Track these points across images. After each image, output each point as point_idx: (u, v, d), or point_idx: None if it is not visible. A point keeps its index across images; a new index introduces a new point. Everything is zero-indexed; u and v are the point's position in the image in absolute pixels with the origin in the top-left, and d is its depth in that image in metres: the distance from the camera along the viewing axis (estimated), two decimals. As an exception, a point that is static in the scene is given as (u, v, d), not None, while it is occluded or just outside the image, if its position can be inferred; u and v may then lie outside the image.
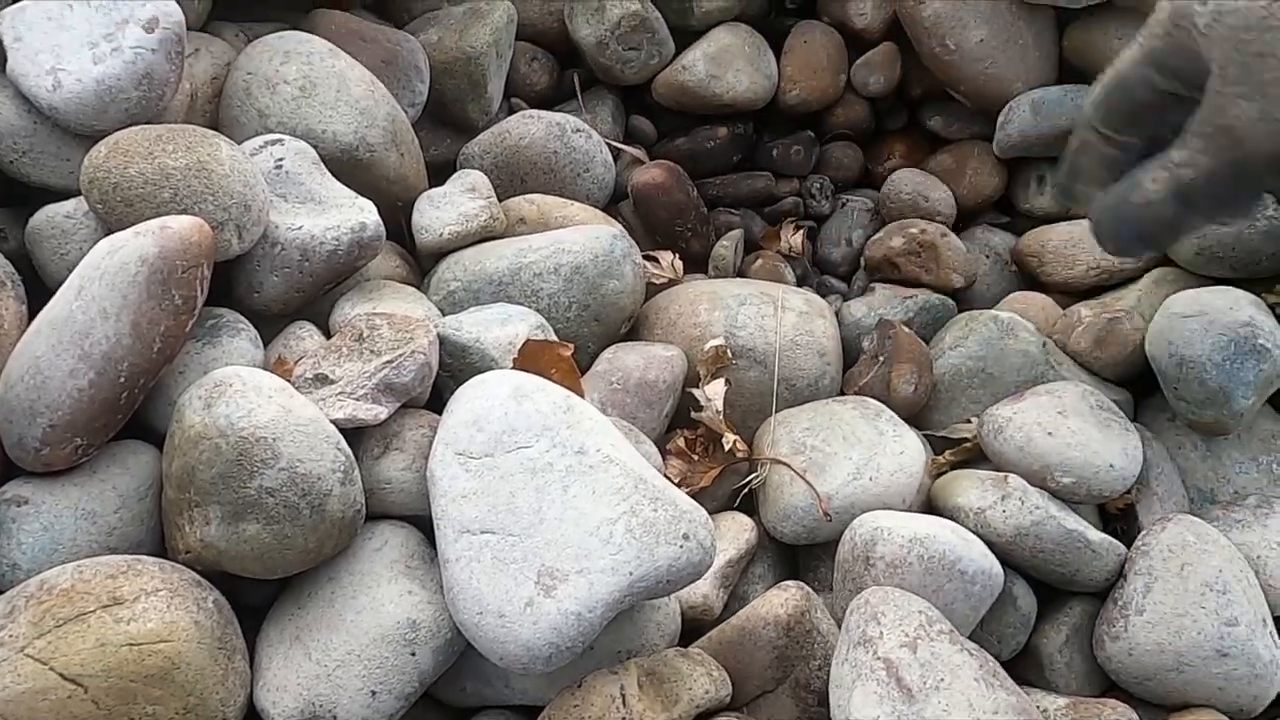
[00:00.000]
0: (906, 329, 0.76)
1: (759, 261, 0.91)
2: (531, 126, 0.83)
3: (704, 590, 0.65)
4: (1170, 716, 0.62)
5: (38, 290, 0.63)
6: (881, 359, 0.75)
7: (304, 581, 0.58)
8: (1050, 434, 0.67)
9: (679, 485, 0.69)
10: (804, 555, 0.71)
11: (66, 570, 0.53)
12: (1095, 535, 0.65)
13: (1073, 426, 0.67)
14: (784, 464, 0.69)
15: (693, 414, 0.72)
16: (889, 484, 0.67)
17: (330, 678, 0.55)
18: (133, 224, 0.58)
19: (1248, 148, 0.51)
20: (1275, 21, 0.50)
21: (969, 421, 0.74)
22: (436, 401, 0.64)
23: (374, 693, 0.55)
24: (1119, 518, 0.72)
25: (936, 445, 0.74)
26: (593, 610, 0.52)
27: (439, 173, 0.83)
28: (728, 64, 0.91)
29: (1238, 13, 0.50)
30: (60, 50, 0.64)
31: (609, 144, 0.89)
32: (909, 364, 0.74)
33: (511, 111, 0.91)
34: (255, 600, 0.60)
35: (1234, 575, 0.62)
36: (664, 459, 0.70)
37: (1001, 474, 0.67)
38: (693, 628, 0.64)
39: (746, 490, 0.70)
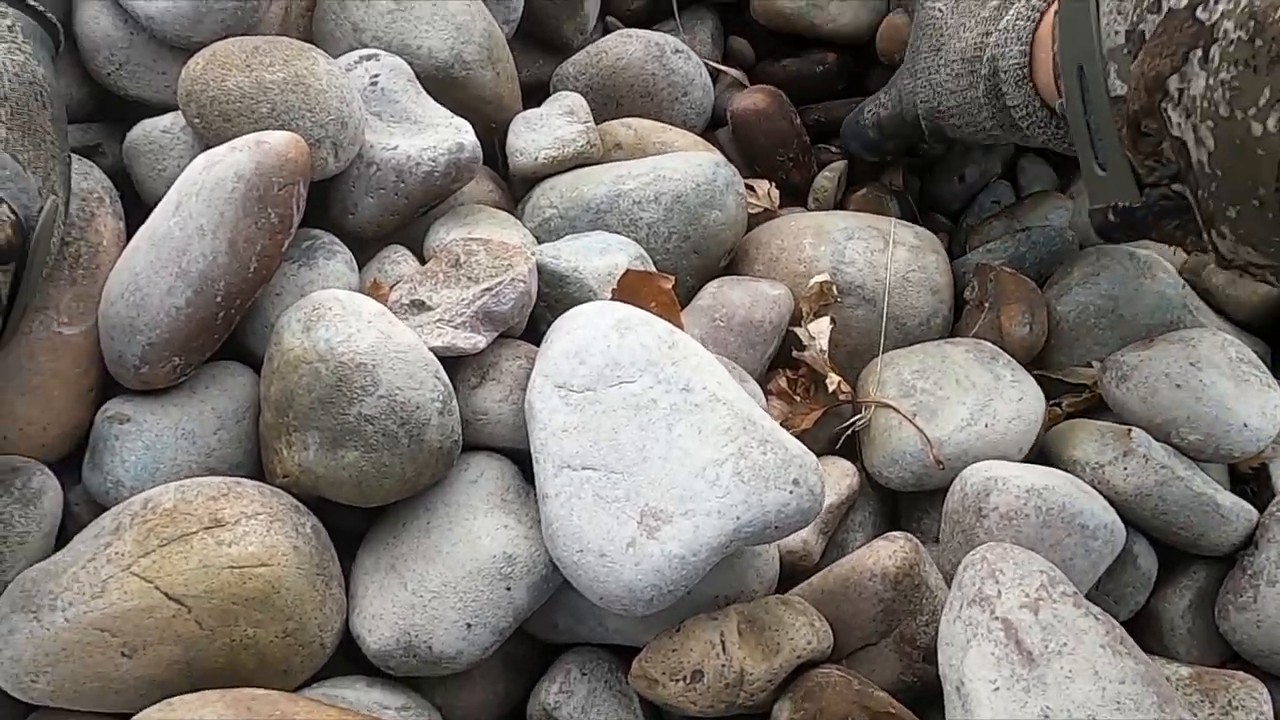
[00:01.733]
0: (1009, 269, 0.72)
1: (862, 192, 0.86)
2: (630, 46, 0.79)
3: (804, 536, 0.62)
4: (1301, 691, 0.58)
5: (136, 207, 0.63)
6: (988, 304, 0.71)
7: (400, 510, 0.57)
8: (1179, 386, 0.62)
9: (781, 426, 0.66)
10: (906, 504, 0.68)
11: (169, 490, 0.53)
12: (1226, 499, 0.60)
13: (1205, 379, 0.62)
14: (892, 407, 0.66)
15: (794, 353, 0.69)
16: (1005, 432, 0.63)
17: (426, 608, 0.54)
18: (230, 139, 0.57)
19: (905, 103, 0.75)
20: (930, 4, 0.72)
21: (1090, 365, 0.69)
22: (532, 332, 0.62)
23: (469, 625, 0.54)
24: (1250, 478, 0.67)
25: (1053, 389, 0.70)
26: (697, 554, 0.50)
27: (532, 94, 0.80)
28: None
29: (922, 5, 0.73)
30: (156, -43, 0.61)
31: (708, 65, 0.85)
32: (1019, 304, 0.70)
33: (607, 31, 0.87)
34: (350, 527, 0.59)
35: (1380, 546, 0.58)
36: (766, 399, 0.67)
37: (1123, 427, 0.63)
38: (790, 573, 0.62)
39: (849, 433, 0.67)
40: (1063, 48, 0.57)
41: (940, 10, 0.73)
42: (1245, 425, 0.62)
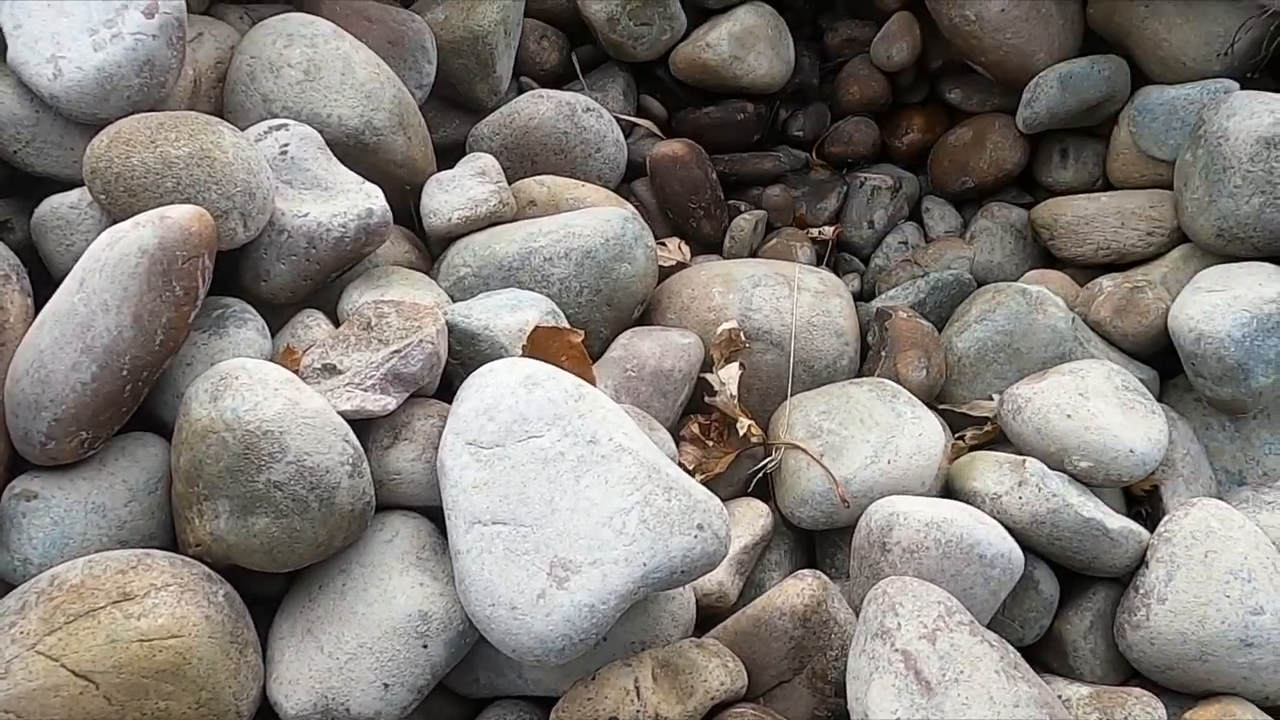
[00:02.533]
0: (906, 313, 0.75)
1: (773, 241, 0.90)
2: (541, 106, 0.82)
3: (719, 578, 0.64)
4: (1196, 705, 0.61)
5: (44, 282, 0.63)
6: (884, 352, 0.74)
7: (315, 574, 0.58)
8: (1069, 416, 0.66)
9: (693, 471, 0.68)
10: (821, 541, 0.70)
11: (77, 565, 0.53)
12: (1114, 523, 0.63)
13: (1094, 409, 0.66)
14: (800, 448, 0.68)
15: (706, 399, 0.71)
16: (908, 467, 0.66)
17: (342, 670, 0.55)
18: (136, 213, 0.58)
19: None
20: None
21: (991, 399, 0.72)
22: (446, 391, 0.63)
23: (387, 685, 0.55)
24: (1144, 499, 0.70)
25: (956, 422, 0.73)
26: (606, 601, 0.52)
27: (447, 154, 0.82)
28: (750, 45, 0.90)
29: None
30: (60, 37, 0.62)
31: (622, 119, 0.88)
32: (914, 350, 0.73)
33: (521, 91, 0.90)
34: (269, 592, 0.59)
35: (1259, 562, 0.61)
36: (678, 445, 0.69)
37: (1019, 458, 0.66)
38: (708, 615, 0.63)
39: (761, 476, 0.69)
40: None
41: None
42: (1132, 451, 0.65)
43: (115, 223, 0.59)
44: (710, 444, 0.70)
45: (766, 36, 0.91)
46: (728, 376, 0.71)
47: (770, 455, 0.69)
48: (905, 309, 0.76)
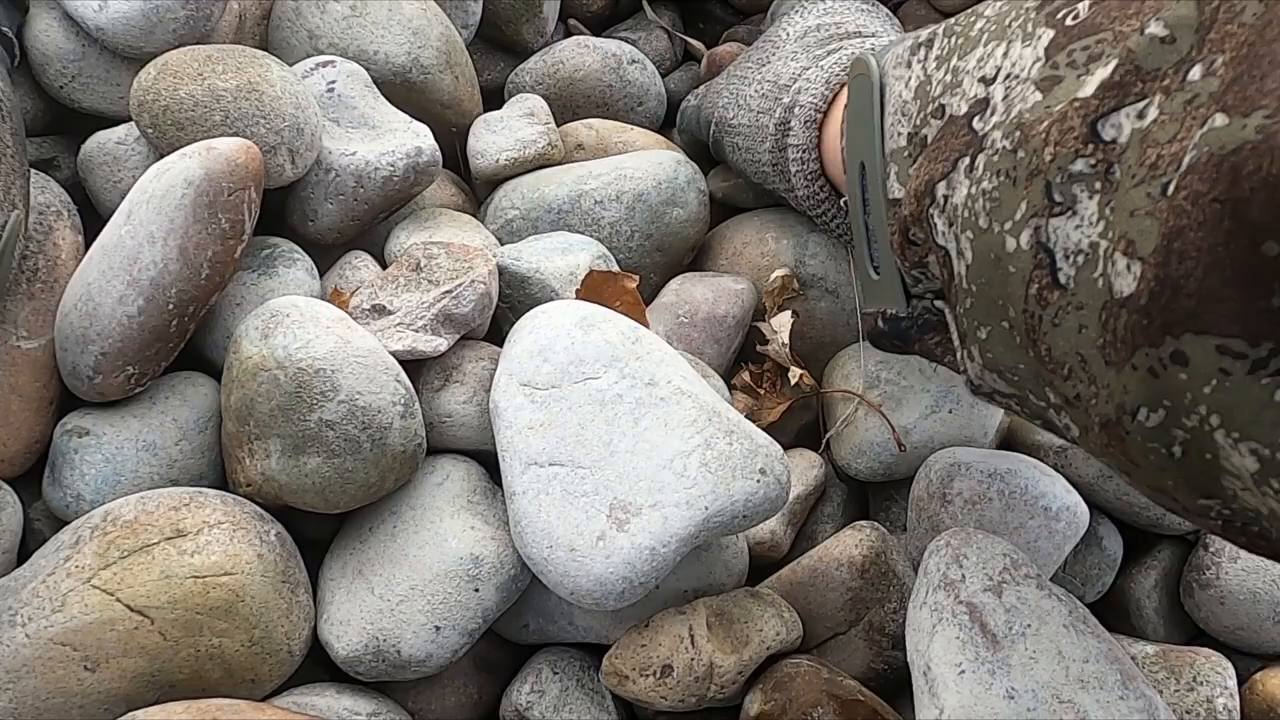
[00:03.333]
0: None
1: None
2: (587, 58, 0.79)
3: (772, 526, 0.62)
4: (1265, 666, 0.59)
5: (93, 219, 0.62)
6: None
7: (365, 516, 0.57)
8: (1142, 368, 0.63)
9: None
10: (875, 494, 0.68)
11: (130, 502, 0.52)
12: (1187, 477, 0.61)
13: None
14: (855, 395, 0.66)
15: (758, 347, 0.70)
16: (970, 416, 0.64)
17: (394, 612, 0.54)
18: (185, 147, 0.56)
19: (707, 104, 0.76)
20: (784, 25, 0.72)
21: None
22: (495, 334, 0.62)
23: (438, 628, 0.54)
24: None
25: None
26: (667, 545, 0.50)
27: (492, 97, 0.80)
28: None
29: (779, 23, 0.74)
30: (105, -33, 0.61)
31: (672, 33, 0.87)
32: None
33: (569, 33, 0.87)
34: (317, 533, 0.59)
35: (1340, 519, 0.58)
36: (730, 393, 0.67)
37: (1087, 411, 0.64)
38: (760, 565, 0.62)
39: (820, 426, 0.68)
40: (849, 143, 0.53)
41: (786, 34, 0.70)
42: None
43: (162, 157, 0.58)
44: (762, 393, 0.68)
45: None
46: (780, 325, 0.69)
47: (824, 405, 0.68)
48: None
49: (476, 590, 0.55)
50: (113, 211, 0.58)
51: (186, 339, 0.57)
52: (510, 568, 0.55)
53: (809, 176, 0.63)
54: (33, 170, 0.60)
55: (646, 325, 0.62)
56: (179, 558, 0.50)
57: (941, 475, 0.59)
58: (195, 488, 0.55)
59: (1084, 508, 0.59)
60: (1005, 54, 0.42)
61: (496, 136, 0.73)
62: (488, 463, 0.58)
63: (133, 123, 0.61)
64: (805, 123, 0.61)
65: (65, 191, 0.62)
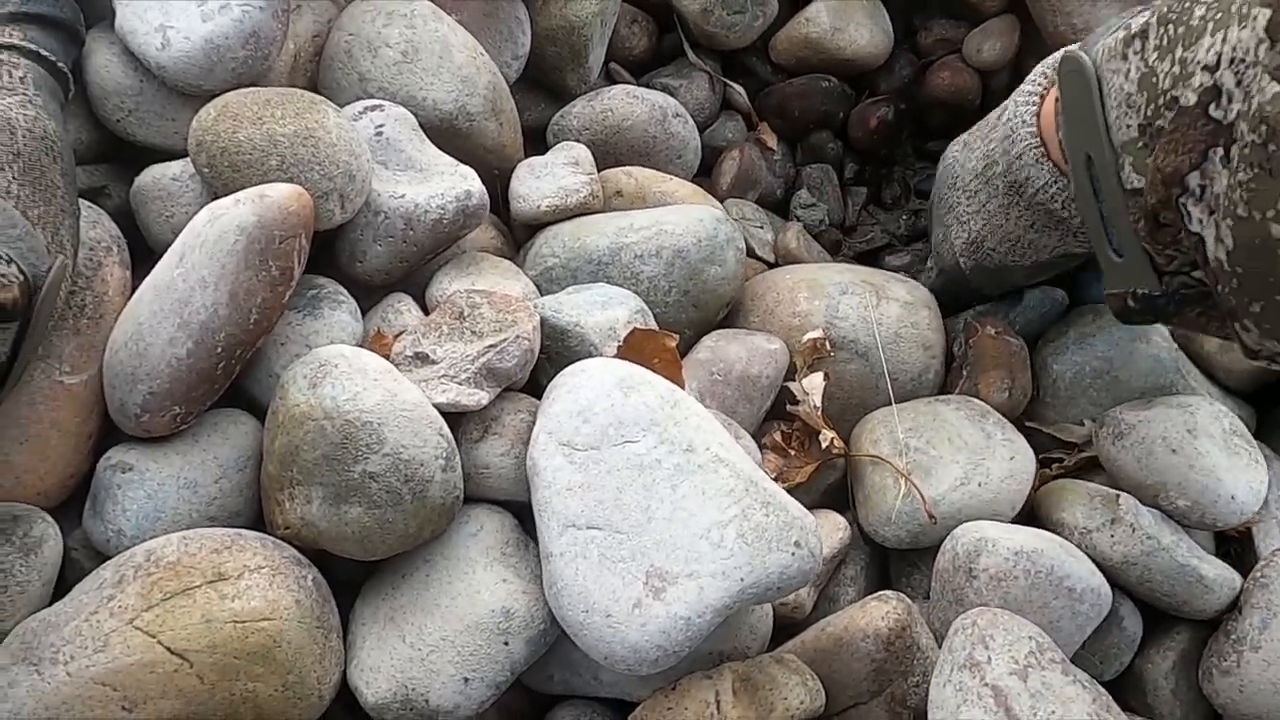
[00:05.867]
0: (994, 329, 0.73)
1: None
2: (636, 108, 0.80)
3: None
4: (1280, 754, 0.60)
5: (141, 249, 0.63)
6: (966, 371, 0.72)
7: (399, 562, 0.58)
8: (1174, 451, 0.64)
9: (775, 479, 0.67)
10: (897, 560, 0.69)
11: (172, 541, 0.53)
12: (1209, 569, 0.61)
13: (1200, 448, 0.64)
14: (888, 461, 0.67)
15: (788, 407, 0.70)
16: (999, 491, 0.65)
17: (424, 662, 0.55)
18: (239, 189, 0.57)
19: (943, 258, 0.77)
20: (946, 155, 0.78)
21: (1081, 424, 0.71)
22: (533, 384, 0.63)
23: (467, 680, 0.55)
24: (1235, 540, 0.68)
25: (1043, 443, 0.71)
26: (702, 615, 0.51)
27: (531, 137, 0.81)
28: (849, 17, 0.89)
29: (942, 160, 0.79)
30: (169, 7, 0.62)
31: (715, 78, 0.89)
32: (998, 370, 0.71)
33: (610, 78, 0.88)
34: (348, 575, 0.60)
35: (1359, 612, 0.59)
36: (761, 453, 0.68)
37: (1113, 491, 0.64)
38: (782, 625, 0.62)
39: (846, 487, 0.68)
40: (1068, 136, 0.57)
41: (954, 155, 0.74)
42: (1233, 498, 0.63)
43: (216, 197, 0.59)
44: (792, 453, 0.69)
45: (863, 8, 0.90)
46: (812, 386, 0.69)
47: (850, 467, 0.68)
48: (994, 323, 0.74)
49: (506, 644, 0.55)
50: (163, 246, 0.59)
51: (232, 380, 0.57)
52: (540, 622, 0.56)
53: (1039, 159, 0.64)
54: (84, 203, 0.61)
55: (683, 384, 0.63)
56: (220, 602, 0.51)
57: (968, 549, 0.60)
58: (235, 529, 0.55)
59: (1108, 590, 0.60)
60: (1224, 39, 0.44)
61: (540, 182, 0.74)
62: (521, 514, 0.59)
63: (188, 159, 0.62)
64: (1036, 161, 0.64)
65: (114, 223, 0.63)
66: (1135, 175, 0.51)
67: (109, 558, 0.54)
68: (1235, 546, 0.68)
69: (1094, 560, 0.61)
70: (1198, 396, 0.69)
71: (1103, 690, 0.52)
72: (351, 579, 0.60)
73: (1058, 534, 0.63)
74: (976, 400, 0.70)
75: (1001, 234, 0.70)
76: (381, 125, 0.67)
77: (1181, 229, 0.48)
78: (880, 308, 0.72)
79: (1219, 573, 0.61)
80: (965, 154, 0.73)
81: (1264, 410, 0.74)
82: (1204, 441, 0.64)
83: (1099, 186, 0.55)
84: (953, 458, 0.66)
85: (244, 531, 0.55)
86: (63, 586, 0.55)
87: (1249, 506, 0.63)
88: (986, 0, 0.91)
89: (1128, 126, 0.51)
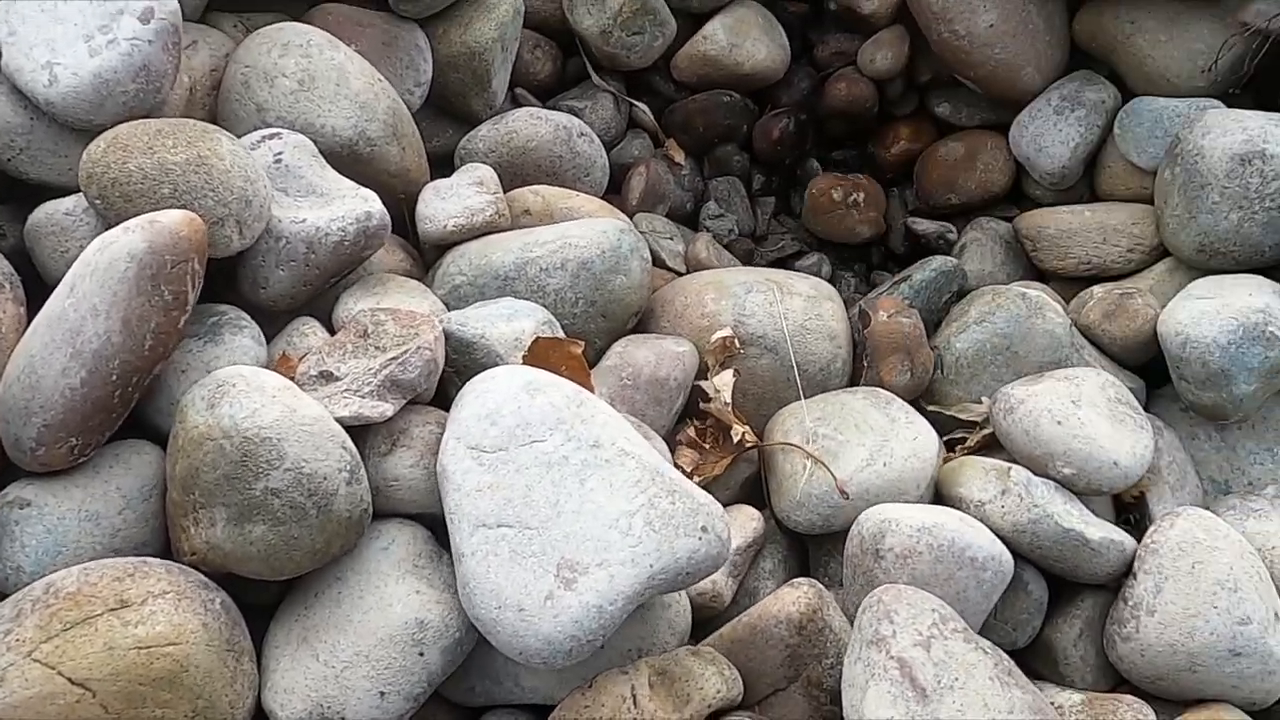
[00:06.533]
0: (885, 315, 0.75)
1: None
2: (540, 128, 0.82)
3: (714, 578, 0.64)
4: (1185, 712, 0.61)
5: (38, 289, 0.62)
6: (865, 360, 0.75)
7: (310, 581, 0.58)
8: (1059, 422, 0.66)
9: (690, 475, 0.68)
10: (815, 549, 0.70)
11: (72, 573, 0.52)
12: (1095, 534, 0.63)
13: (1083, 417, 0.66)
14: (796, 447, 0.68)
15: (701, 405, 0.72)
16: (903, 470, 0.67)
17: (338, 679, 0.55)
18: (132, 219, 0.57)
19: None
20: None
21: (980, 402, 0.73)
22: (441, 398, 0.63)
23: (383, 694, 0.55)
24: (1132, 506, 0.71)
25: (945, 424, 0.73)
26: (614, 603, 0.52)
27: (439, 163, 0.82)
28: (745, 33, 0.92)
29: None
30: (55, 44, 0.62)
31: (620, 98, 0.91)
32: (895, 354, 0.73)
33: (516, 101, 0.90)
34: (261, 600, 0.59)
35: (1245, 572, 0.61)
36: (674, 450, 0.69)
37: (1006, 465, 0.67)
38: (702, 617, 0.63)
39: (757, 481, 0.70)
40: None
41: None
42: (1115, 464, 0.66)
43: (110, 229, 0.59)
44: (707, 448, 0.70)
45: (759, 24, 0.94)
46: (722, 384, 0.71)
47: (763, 459, 0.70)
48: (887, 305, 0.76)
49: (421, 654, 0.55)
50: (59, 281, 0.59)
51: (130, 408, 0.57)
52: (456, 630, 0.56)
53: None
54: (-24, 241, 0.60)
55: (592, 389, 0.64)
56: (123, 629, 0.50)
57: (873, 531, 0.61)
58: (139, 557, 0.55)
59: (1008, 556, 0.61)
60: None
61: (445, 203, 0.75)
62: (434, 526, 0.59)
63: (81, 194, 0.62)
64: None
65: (8, 262, 0.62)
66: None
67: (7, 595, 0.53)
68: (1134, 514, 0.71)
69: (993, 530, 0.63)
70: (1088, 369, 0.72)
71: (1005, 655, 0.54)
72: (266, 603, 0.59)
73: (958, 509, 0.65)
74: (882, 390, 0.73)
75: None
76: (280, 153, 0.68)
77: None
78: (785, 302, 0.74)
79: (1105, 536, 0.63)
80: None
81: (1155, 384, 0.77)
82: (1087, 411, 0.66)
83: None
84: (859, 441, 0.68)
85: (148, 559, 0.54)
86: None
87: (1133, 472, 0.66)
88: (876, 12, 0.94)
89: None
